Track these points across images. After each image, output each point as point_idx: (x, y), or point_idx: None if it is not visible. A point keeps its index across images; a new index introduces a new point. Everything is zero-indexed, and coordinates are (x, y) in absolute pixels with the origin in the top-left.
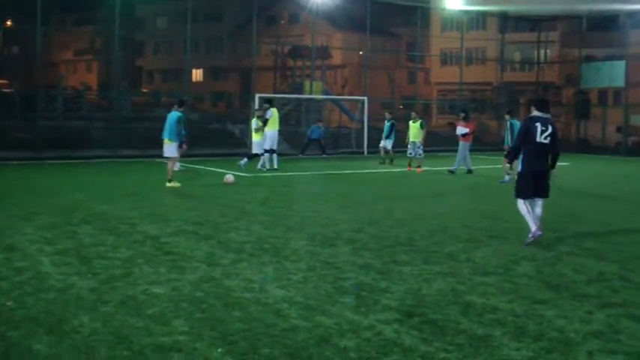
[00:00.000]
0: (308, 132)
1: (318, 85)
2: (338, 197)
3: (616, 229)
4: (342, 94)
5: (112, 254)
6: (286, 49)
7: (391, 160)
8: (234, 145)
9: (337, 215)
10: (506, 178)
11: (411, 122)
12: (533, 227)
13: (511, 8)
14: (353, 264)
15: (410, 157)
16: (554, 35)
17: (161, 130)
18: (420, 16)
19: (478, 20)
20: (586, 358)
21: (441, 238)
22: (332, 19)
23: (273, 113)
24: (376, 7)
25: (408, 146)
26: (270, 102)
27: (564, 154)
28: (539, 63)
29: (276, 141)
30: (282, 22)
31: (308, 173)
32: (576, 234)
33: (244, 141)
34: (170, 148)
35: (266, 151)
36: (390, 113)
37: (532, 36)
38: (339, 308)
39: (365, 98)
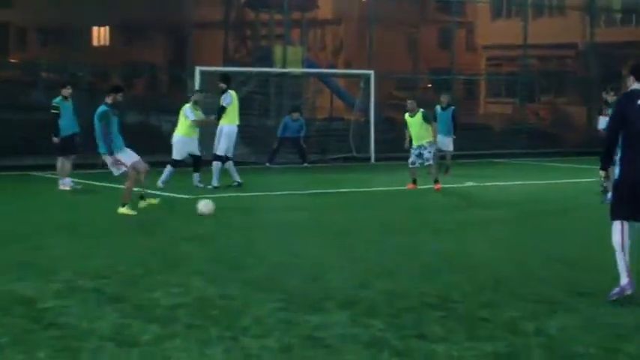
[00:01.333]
0: (279, 128)
1: (296, 51)
2: (329, 232)
3: None
4: (335, 67)
5: None
6: None
7: (447, 169)
8: (161, 147)
9: (328, 261)
10: (609, 195)
11: (407, 116)
12: (624, 279)
13: None
14: (354, 340)
15: (412, 168)
16: None
17: (43, 124)
18: None
19: None
20: None
21: (493, 298)
22: None
23: (232, 99)
24: None
25: (412, 151)
26: (226, 80)
27: None
28: None
29: (233, 142)
30: None
31: (280, 193)
32: None
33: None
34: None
35: (216, 157)
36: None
37: None
38: None
39: (371, 72)
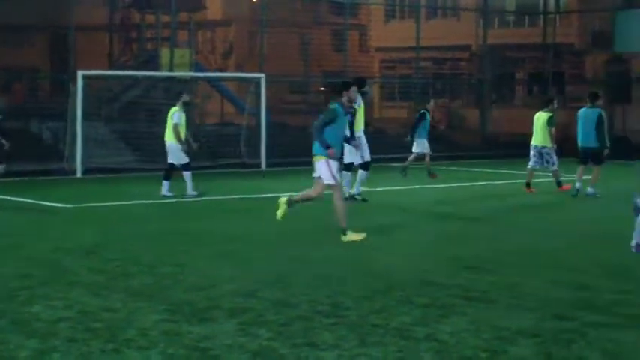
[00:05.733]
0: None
1: (183, 53)
2: (216, 240)
3: None
4: (225, 70)
5: None
6: None
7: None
8: (42, 155)
9: (215, 270)
10: (590, 190)
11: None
12: None
13: None
14: (241, 349)
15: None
16: None
17: None
18: None
19: None
20: None
21: (386, 303)
22: None
23: None
24: None
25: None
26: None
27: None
28: (546, 13)
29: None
30: None
31: (168, 201)
32: (609, 293)
33: (59, 149)
34: None
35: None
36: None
37: None
38: None
39: (262, 76)
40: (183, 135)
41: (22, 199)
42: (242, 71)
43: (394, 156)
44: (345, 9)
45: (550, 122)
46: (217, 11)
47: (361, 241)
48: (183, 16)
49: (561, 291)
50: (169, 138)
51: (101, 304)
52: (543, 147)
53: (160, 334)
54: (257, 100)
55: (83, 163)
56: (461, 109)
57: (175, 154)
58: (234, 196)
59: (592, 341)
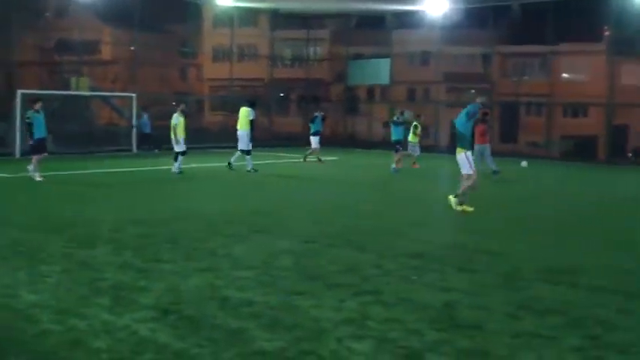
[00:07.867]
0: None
1: (84, 80)
2: (105, 197)
3: (378, 217)
4: (113, 91)
5: None
6: (52, 43)
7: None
8: None
9: (97, 216)
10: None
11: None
12: None
13: (281, 6)
14: (111, 264)
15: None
16: (324, 33)
17: None
18: (193, 12)
19: (249, 17)
20: (335, 345)
21: (204, 235)
22: (101, 13)
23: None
24: (148, 3)
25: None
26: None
27: (334, 148)
28: (308, 60)
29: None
30: (48, 15)
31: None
32: (340, 226)
33: (6, 139)
34: None
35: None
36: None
37: (302, 33)
38: (94, 310)
39: (134, 95)
40: (180, 133)
41: None
42: (123, 92)
43: (214, 144)
44: (189, 54)
45: (415, 128)
46: (108, 54)
47: (471, 212)
48: (86, 57)
49: (311, 226)
50: (172, 134)
51: (26, 236)
52: (409, 142)
53: (61, 255)
54: (131, 109)
55: (20, 148)
56: (259, 117)
57: (176, 145)
58: (115, 170)
59: (324, 255)
